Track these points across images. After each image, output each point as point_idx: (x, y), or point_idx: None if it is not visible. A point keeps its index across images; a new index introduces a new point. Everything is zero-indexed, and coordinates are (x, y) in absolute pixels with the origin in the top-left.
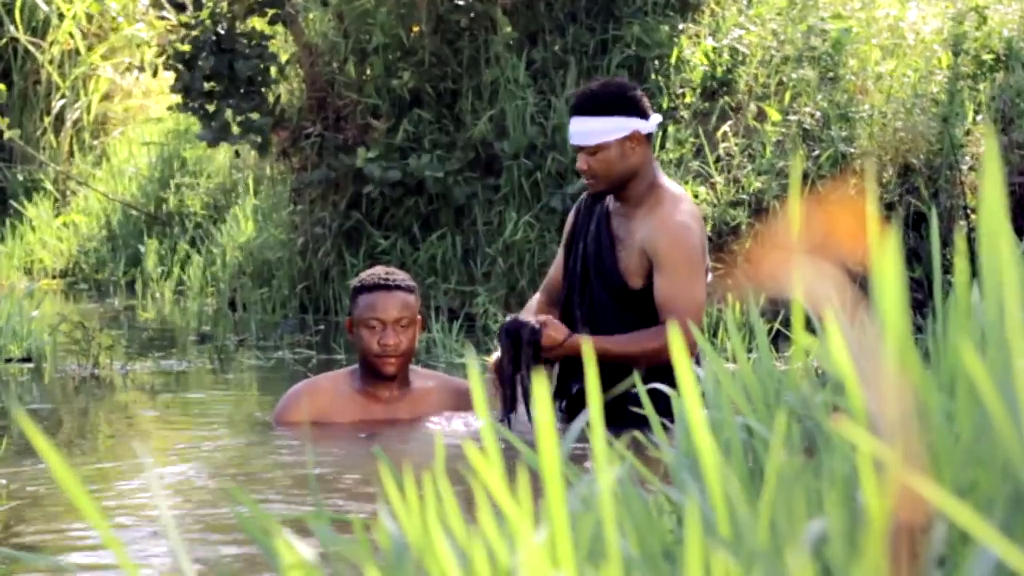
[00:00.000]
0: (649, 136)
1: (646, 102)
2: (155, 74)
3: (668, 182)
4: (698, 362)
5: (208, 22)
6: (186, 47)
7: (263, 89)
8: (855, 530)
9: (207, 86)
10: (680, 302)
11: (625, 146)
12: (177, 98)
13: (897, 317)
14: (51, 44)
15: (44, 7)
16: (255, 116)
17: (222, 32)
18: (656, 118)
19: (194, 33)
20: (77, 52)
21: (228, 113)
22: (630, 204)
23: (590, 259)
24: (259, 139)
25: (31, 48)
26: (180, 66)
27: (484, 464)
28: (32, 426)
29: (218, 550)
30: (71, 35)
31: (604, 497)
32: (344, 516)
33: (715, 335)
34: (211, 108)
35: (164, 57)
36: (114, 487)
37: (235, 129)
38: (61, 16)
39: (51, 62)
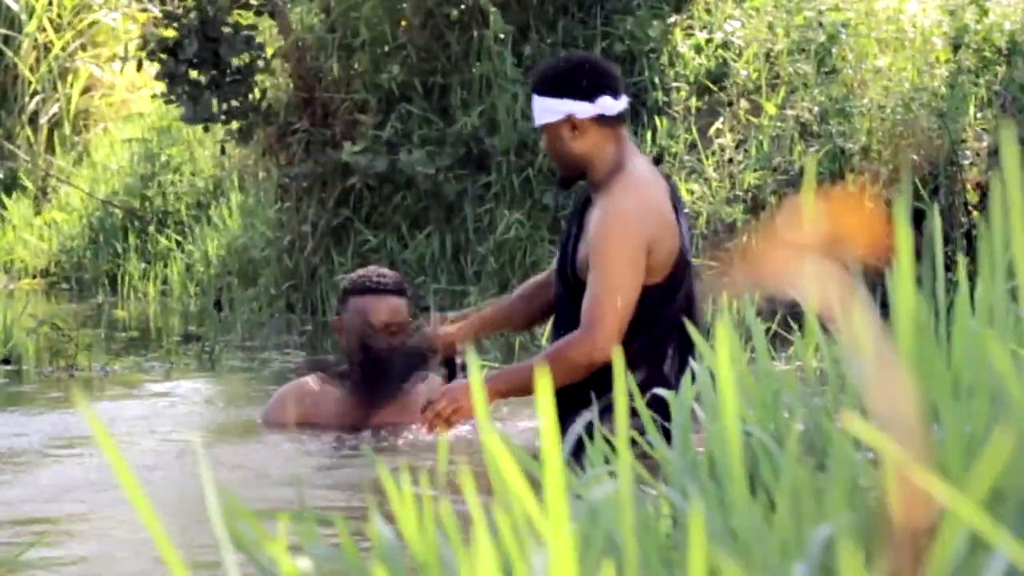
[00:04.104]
0: (606, 118)
1: (597, 82)
2: (139, 68)
3: (637, 168)
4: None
5: (194, 14)
6: (170, 32)
7: (250, 79)
8: (862, 534)
9: (192, 74)
10: (596, 310)
11: (563, 129)
12: (161, 87)
13: (911, 317)
14: (25, 37)
15: (13, 5)
16: (238, 103)
17: (208, 20)
18: (608, 101)
19: (180, 23)
20: (49, 46)
21: (213, 103)
22: (596, 192)
23: (562, 253)
24: (243, 123)
25: (1, 45)
26: (163, 55)
27: (502, 464)
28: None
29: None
30: (42, 28)
31: (623, 498)
32: (329, 516)
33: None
34: (197, 81)
35: (148, 48)
36: (93, 491)
37: (216, 110)
38: (32, 11)
39: (18, 54)
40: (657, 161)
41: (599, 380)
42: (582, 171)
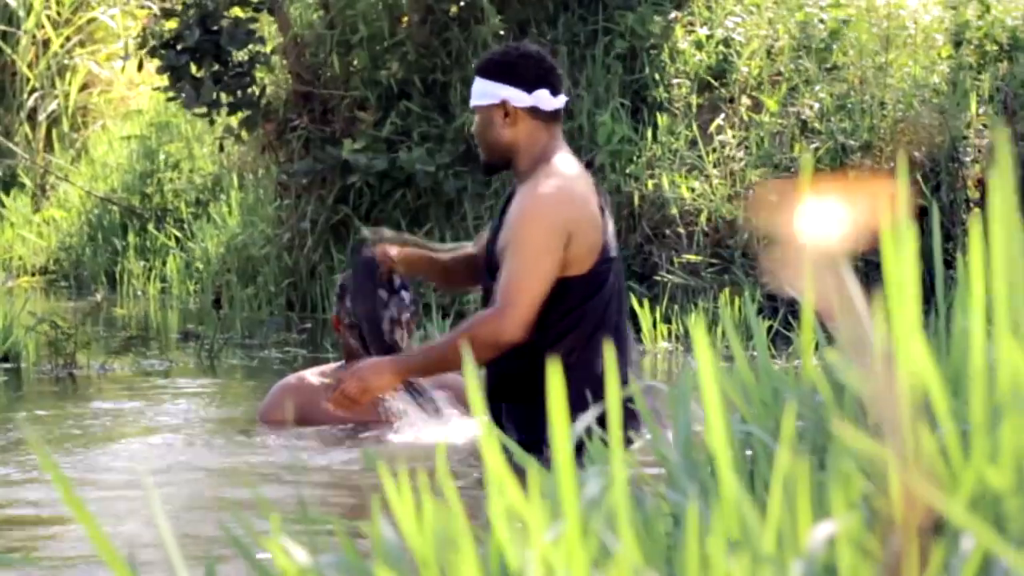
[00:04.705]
0: (540, 112)
1: (538, 75)
2: (140, 67)
3: (563, 161)
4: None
5: (193, 10)
6: (171, 23)
7: (251, 73)
8: (863, 533)
9: (193, 68)
10: (508, 290)
11: (496, 114)
12: (162, 81)
13: (911, 314)
14: (24, 34)
15: (12, 2)
16: (240, 95)
17: (208, 14)
18: (545, 95)
19: (180, 17)
20: (47, 43)
21: (219, 94)
22: (520, 183)
23: (488, 248)
24: (246, 115)
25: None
26: (164, 51)
27: (494, 463)
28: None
29: (204, 550)
30: (41, 25)
31: (618, 496)
32: (328, 518)
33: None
34: (197, 74)
35: (148, 44)
36: (94, 489)
37: (222, 100)
38: (31, 8)
39: (16, 51)
40: (587, 165)
41: (536, 374)
42: (507, 159)
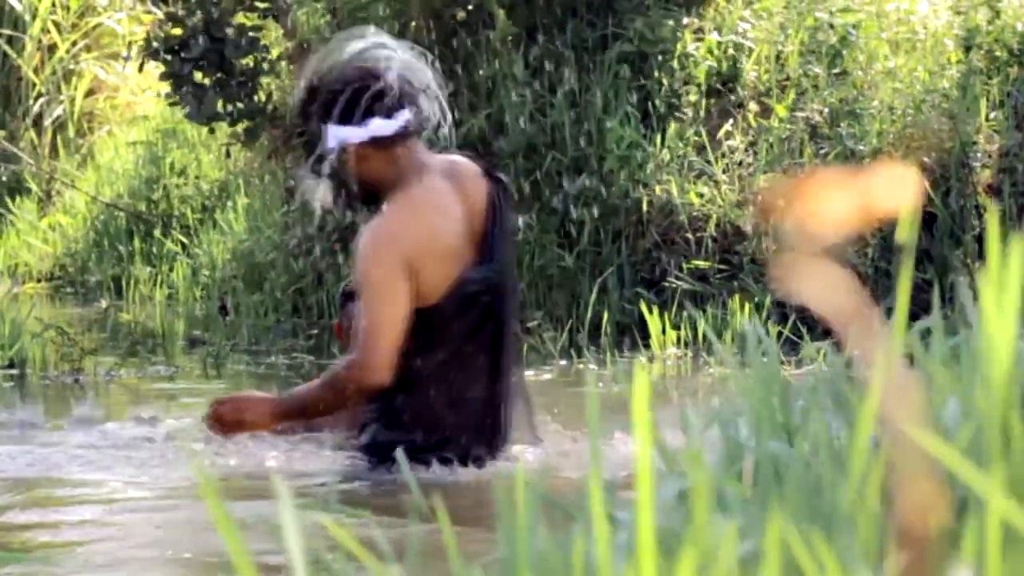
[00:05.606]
0: (381, 140)
1: (365, 106)
2: (141, 68)
3: (420, 187)
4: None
5: (198, 15)
6: (176, 30)
7: (255, 81)
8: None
9: (197, 76)
10: (363, 335)
11: (345, 157)
12: (166, 87)
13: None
14: (29, 39)
15: (17, 6)
16: (243, 105)
17: (213, 21)
18: (379, 123)
19: (185, 24)
20: (53, 48)
21: (219, 103)
22: None
23: None
24: (249, 125)
25: (5, 46)
26: (169, 56)
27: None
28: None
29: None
30: (46, 30)
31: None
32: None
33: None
34: (202, 83)
35: (152, 48)
36: (100, 498)
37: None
38: (36, 13)
39: (21, 56)
40: (488, 171)
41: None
42: (376, 193)
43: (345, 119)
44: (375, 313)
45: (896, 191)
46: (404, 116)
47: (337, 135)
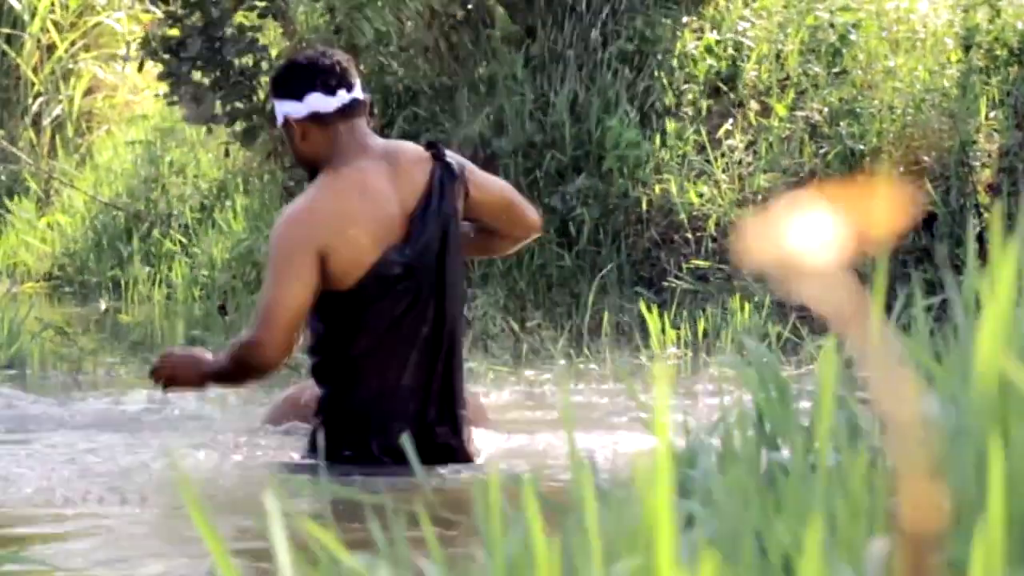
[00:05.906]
0: (321, 116)
1: (304, 81)
2: (140, 68)
3: (346, 168)
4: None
5: (197, 14)
6: (174, 30)
7: (252, 81)
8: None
9: (195, 76)
10: (258, 311)
11: (288, 132)
12: (164, 87)
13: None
14: (28, 38)
15: (16, 5)
16: (241, 105)
17: (211, 21)
18: (319, 99)
19: (183, 24)
20: (52, 47)
21: (217, 104)
22: None
23: None
24: (247, 125)
25: (4, 45)
26: (167, 56)
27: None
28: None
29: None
30: (45, 29)
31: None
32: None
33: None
34: (200, 82)
35: (150, 47)
36: (100, 498)
37: (220, 111)
38: (35, 12)
39: (20, 55)
40: (431, 145)
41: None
42: (317, 170)
43: (287, 94)
44: (271, 292)
45: (886, 213)
46: (344, 94)
47: (281, 110)
